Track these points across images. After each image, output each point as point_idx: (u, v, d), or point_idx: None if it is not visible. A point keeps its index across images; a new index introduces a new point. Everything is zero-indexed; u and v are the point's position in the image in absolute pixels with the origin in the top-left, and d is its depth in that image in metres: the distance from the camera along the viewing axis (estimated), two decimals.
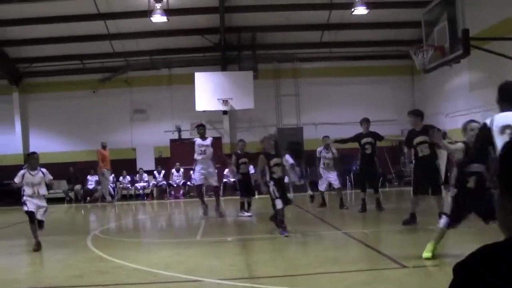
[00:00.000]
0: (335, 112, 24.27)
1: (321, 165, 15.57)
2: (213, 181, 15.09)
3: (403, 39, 22.71)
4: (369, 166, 14.37)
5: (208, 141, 15.06)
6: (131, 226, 15.53)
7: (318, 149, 15.75)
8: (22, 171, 10.43)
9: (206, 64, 24.35)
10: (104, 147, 22.65)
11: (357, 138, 14.57)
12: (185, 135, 24.38)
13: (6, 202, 23.31)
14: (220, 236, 11.18)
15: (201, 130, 15.16)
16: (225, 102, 22.62)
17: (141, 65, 25.05)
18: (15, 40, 23.84)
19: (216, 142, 22.25)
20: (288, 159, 13.14)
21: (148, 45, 24.13)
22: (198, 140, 15.01)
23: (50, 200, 22.62)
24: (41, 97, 25.85)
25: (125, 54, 24.81)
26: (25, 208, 10.10)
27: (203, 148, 14.75)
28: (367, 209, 13.96)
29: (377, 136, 14.34)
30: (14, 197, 25.11)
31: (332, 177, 15.35)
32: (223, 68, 24.30)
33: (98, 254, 9.49)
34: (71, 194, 24.41)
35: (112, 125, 25.08)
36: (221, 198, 16.16)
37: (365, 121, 14.45)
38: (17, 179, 10.38)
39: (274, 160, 10.75)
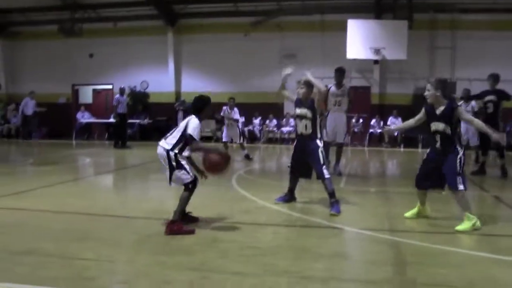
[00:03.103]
0: (494, 68, 22.89)
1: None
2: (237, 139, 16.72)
3: None
4: (490, 126, 13.14)
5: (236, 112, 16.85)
6: (275, 168, 15.77)
7: (459, 103, 15.03)
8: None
9: (359, 12, 23.83)
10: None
11: (481, 95, 13.43)
12: (333, 82, 24.18)
13: (159, 137, 24.41)
14: (363, 186, 11.10)
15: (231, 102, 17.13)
16: (377, 51, 22.16)
17: (293, 10, 25.01)
18: None
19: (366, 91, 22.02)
20: None
21: None
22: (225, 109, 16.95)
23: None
24: (194, 39, 26.68)
25: None
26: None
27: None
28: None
29: (503, 95, 12.89)
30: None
31: (469, 133, 14.62)
32: (377, 16, 23.69)
33: (243, 193, 9.76)
34: (218, 134, 25.18)
35: (261, 69, 25.38)
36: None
37: (490, 77, 13.13)
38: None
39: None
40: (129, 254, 5.63)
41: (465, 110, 14.55)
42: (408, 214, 7.67)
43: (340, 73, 12.82)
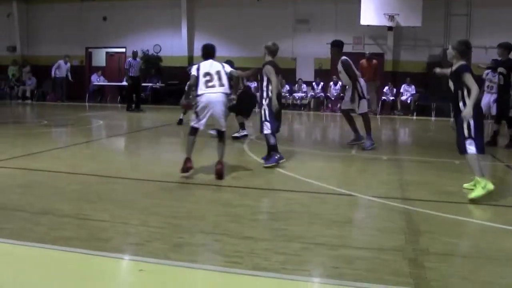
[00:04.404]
0: (510, 36, 22.71)
1: (485, 88, 14.77)
2: None
3: None
4: (500, 97, 12.80)
5: None
6: (286, 134, 15.73)
7: (486, 71, 14.91)
8: None
9: None
10: (367, 58, 22.33)
11: (494, 66, 13.15)
12: (346, 49, 24.07)
13: (171, 101, 24.45)
14: (376, 153, 11.06)
15: None
16: (391, 17, 21.96)
17: None
18: None
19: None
20: None
21: None
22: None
23: None
24: (208, 3, 26.52)
25: None
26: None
27: None
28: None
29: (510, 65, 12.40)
30: (178, 96, 26.59)
31: (493, 101, 14.54)
32: None
33: (254, 158, 9.79)
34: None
35: (274, 34, 25.07)
36: None
37: (499, 47, 12.62)
38: None
39: None
40: (142, 217, 5.68)
41: (491, 80, 14.40)
42: (466, 185, 7.39)
43: (332, 48, 11.99)
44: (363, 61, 22.03)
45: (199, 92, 7.67)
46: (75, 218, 5.47)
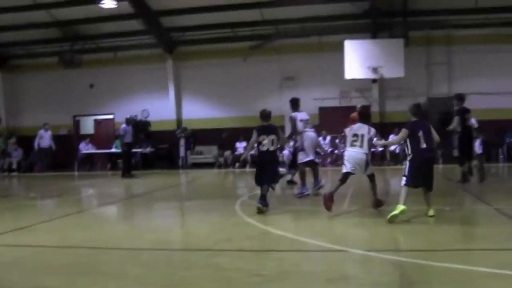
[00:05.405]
0: (490, 82, 23.10)
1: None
2: None
3: None
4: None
5: None
6: (278, 192, 15.70)
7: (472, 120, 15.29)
8: None
9: (356, 32, 24.10)
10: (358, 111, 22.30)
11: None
12: (333, 103, 24.35)
13: (161, 166, 24.49)
14: (366, 206, 11.06)
15: None
16: (374, 70, 22.32)
17: (290, 33, 25.20)
18: (169, 10, 24.91)
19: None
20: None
21: (298, 12, 24.25)
22: None
23: (202, 165, 23.80)
24: (193, 65, 26.91)
25: (275, 22, 25.10)
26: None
27: None
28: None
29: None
30: (168, 160, 26.65)
31: (476, 144, 15.14)
32: (373, 36, 23.93)
33: (246, 219, 9.71)
34: (221, 160, 25.26)
35: (261, 92, 25.50)
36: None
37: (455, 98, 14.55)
38: None
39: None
40: (136, 287, 5.61)
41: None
42: (430, 212, 9.00)
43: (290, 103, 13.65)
44: (354, 115, 22.17)
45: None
46: None
